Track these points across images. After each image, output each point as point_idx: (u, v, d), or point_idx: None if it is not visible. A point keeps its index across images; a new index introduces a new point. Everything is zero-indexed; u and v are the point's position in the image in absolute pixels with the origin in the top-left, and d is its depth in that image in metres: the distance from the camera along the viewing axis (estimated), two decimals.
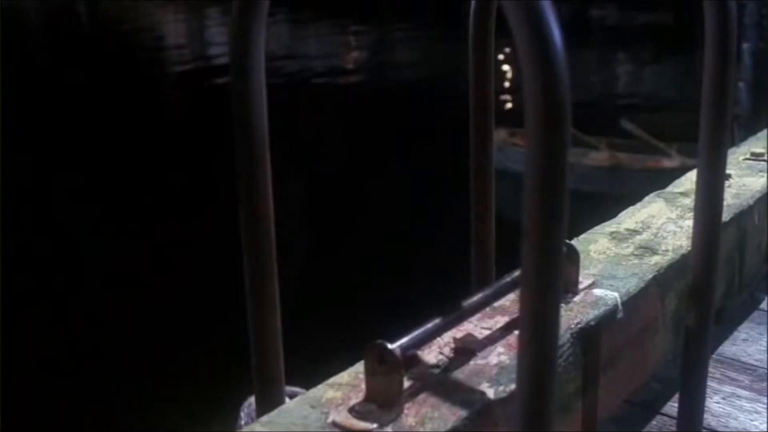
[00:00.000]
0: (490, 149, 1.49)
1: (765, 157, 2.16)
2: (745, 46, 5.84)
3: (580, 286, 1.38)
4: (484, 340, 1.20)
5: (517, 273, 1.28)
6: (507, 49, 11.65)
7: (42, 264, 7.31)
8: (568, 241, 1.48)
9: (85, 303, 6.52)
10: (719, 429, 1.54)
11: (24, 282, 6.85)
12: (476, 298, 1.22)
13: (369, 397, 1.04)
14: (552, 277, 0.83)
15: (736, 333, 1.90)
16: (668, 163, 9.13)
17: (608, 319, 1.33)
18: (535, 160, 0.79)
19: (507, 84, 12.80)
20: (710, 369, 1.52)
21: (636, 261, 1.52)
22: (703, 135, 1.38)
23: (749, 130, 5.91)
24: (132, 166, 9.59)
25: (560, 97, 0.77)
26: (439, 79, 13.16)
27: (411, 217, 7.26)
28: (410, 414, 1.02)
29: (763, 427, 1.54)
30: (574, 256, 1.36)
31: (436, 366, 1.13)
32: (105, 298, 6.49)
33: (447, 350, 1.16)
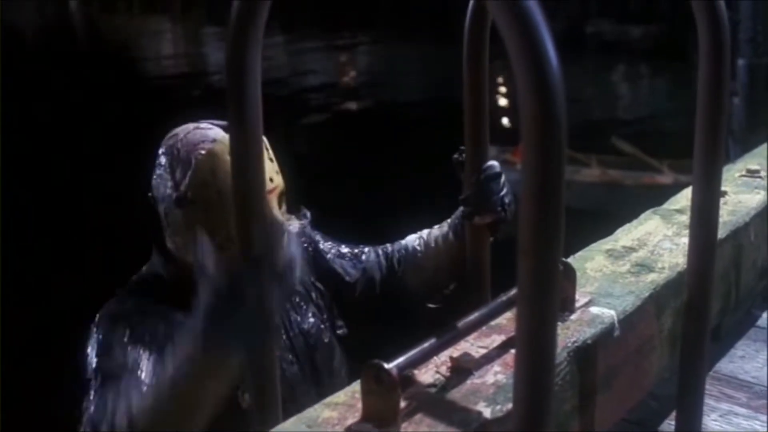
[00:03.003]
0: (485, 159, 1.49)
1: (761, 174, 2.16)
2: (741, 62, 5.87)
3: (577, 304, 1.38)
4: (480, 359, 1.20)
5: (513, 292, 1.28)
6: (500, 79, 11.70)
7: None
8: (564, 259, 1.48)
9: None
10: None
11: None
12: (472, 317, 1.22)
13: (365, 417, 1.04)
14: (549, 296, 0.83)
15: (733, 350, 1.90)
16: (660, 179, 9.15)
17: (605, 338, 1.33)
18: (531, 179, 0.79)
19: (501, 102, 12.83)
20: (707, 386, 1.52)
21: (632, 279, 1.51)
22: (698, 152, 1.38)
23: (745, 145, 5.93)
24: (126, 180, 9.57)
25: (556, 118, 0.77)
26: (434, 98, 13.18)
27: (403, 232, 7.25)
28: None
29: None
30: (570, 274, 1.36)
31: (433, 385, 1.13)
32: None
33: (443, 369, 1.16)
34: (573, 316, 1.35)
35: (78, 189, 9.68)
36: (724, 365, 1.84)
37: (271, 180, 1.51)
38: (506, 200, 1.51)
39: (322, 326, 1.67)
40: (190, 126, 1.55)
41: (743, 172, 2.20)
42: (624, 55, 18.04)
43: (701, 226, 1.42)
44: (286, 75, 16.25)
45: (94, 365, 1.43)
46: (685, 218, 1.77)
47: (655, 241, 1.71)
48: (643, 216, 1.87)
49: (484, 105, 1.41)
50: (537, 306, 0.83)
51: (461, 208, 1.58)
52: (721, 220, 1.52)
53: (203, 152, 1.47)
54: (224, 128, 1.49)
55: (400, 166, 9.58)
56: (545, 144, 0.79)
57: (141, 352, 1.43)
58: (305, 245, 1.73)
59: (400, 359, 1.06)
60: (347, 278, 1.73)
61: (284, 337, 1.62)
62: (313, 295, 1.69)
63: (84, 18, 30.54)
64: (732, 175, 2.18)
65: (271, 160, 1.54)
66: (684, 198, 1.95)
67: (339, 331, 1.72)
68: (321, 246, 1.76)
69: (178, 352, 1.22)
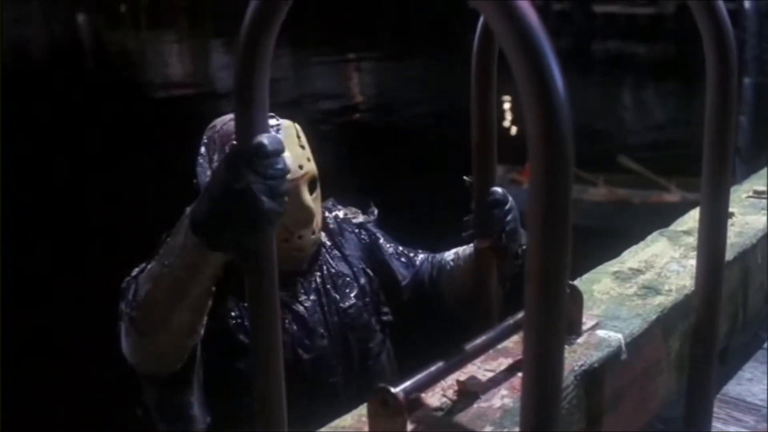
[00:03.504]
0: (492, 182, 1.49)
1: (767, 195, 2.16)
2: (747, 80, 5.87)
3: (584, 327, 1.37)
4: (487, 382, 1.19)
5: (520, 315, 1.27)
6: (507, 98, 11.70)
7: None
8: (571, 281, 1.48)
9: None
10: None
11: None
12: (479, 340, 1.22)
13: None
14: (555, 319, 0.83)
15: (740, 372, 1.89)
16: (668, 197, 9.13)
17: (612, 361, 1.32)
18: (538, 203, 0.79)
19: (509, 120, 12.84)
20: (715, 409, 1.52)
21: (639, 301, 1.51)
22: (705, 174, 1.38)
23: (752, 164, 5.92)
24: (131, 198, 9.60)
25: (563, 142, 0.77)
26: (441, 114, 13.20)
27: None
28: None
29: None
30: (577, 297, 1.36)
31: (440, 409, 1.12)
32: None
33: (450, 393, 1.16)
34: (580, 340, 1.35)
35: (78, 189, 9.71)
36: (732, 388, 1.83)
37: (301, 167, 1.56)
38: (507, 227, 1.50)
39: (364, 308, 1.72)
40: (227, 117, 1.62)
41: (750, 193, 2.20)
42: (630, 72, 18.07)
43: (709, 249, 1.42)
44: (294, 92, 16.30)
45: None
46: (693, 240, 1.76)
47: (662, 263, 1.70)
48: (650, 237, 1.86)
49: (492, 128, 1.41)
50: (544, 329, 0.82)
51: None
52: (728, 242, 1.52)
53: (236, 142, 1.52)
54: None
55: (406, 179, 9.59)
56: (552, 168, 0.78)
57: None
58: (363, 237, 1.81)
59: (407, 383, 1.05)
60: (400, 278, 1.81)
61: (319, 312, 1.66)
62: (362, 279, 1.75)
63: (91, 31, 30.69)
64: (739, 196, 2.17)
65: (302, 147, 1.60)
66: (691, 219, 1.95)
67: (384, 318, 1.77)
68: (381, 242, 1.83)
69: (169, 240, 1.27)
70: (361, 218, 1.84)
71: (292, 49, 20.07)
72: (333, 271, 1.71)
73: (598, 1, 24.60)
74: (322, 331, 1.65)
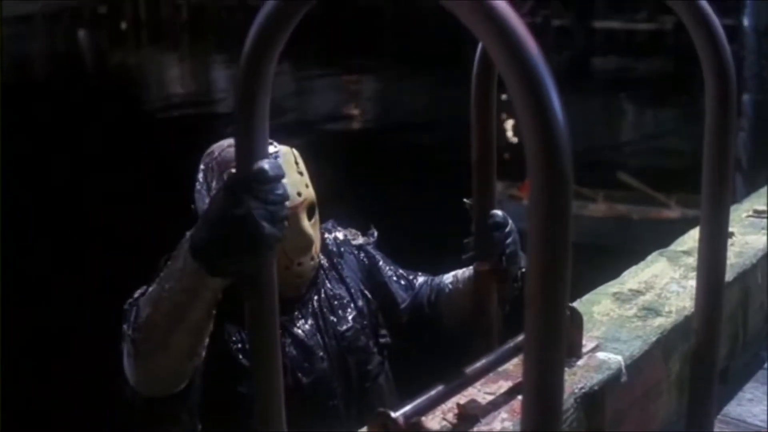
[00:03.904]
0: (491, 205, 1.49)
1: (767, 215, 2.16)
2: (746, 97, 5.89)
3: (584, 350, 1.37)
4: (487, 405, 1.19)
5: (520, 338, 1.27)
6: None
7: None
8: (571, 301, 1.48)
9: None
10: None
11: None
12: (479, 363, 1.22)
13: None
14: (555, 342, 0.83)
15: (741, 393, 1.89)
16: (668, 214, 9.12)
17: (612, 384, 1.32)
18: (538, 227, 0.80)
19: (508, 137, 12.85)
20: (715, 430, 1.51)
21: (639, 323, 1.51)
22: (705, 194, 1.39)
23: (752, 179, 5.94)
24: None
25: (563, 172, 0.77)
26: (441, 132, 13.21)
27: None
28: None
29: None
30: (577, 319, 1.36)
31: None
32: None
33: (450, 416, 1.16)
34: (580, 362, 1.35)
35: (79, 196, 9.70)
36: (732, 408, 1.83)
37: (299, 194, 1.56)
38: (507, 250, 1.50)
39: (361, 331, 1.71)
40: (225, 143, 1.61)
41: (750, 213, 2.20)
42: (630, 88, 18.08)
43: (709, 270, 1.42)
44: (293, 104, 16.32)
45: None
46: (692, 260, 1.77)
47: (662, 283, 1.70)
48: (650, 258, 1.86)
49: (491, 150, 1.42)
50: (544, 352, 0.82)
51: None
52: (728, 262, 1.52)
53: (234, 171, 1.51)
54: None
55: (408, 196, 9.59)
56: (552, 194, 0.79)
57: None
58: (362, 259, 1.81)
59: (407, 407, 1.05)
60: (399, 301, 1.80)
61: (318, 335, 1.66)
62: (359, 301, 1.74)
63: (92, 47, 30.77)
64: (739, 216, 2.18)
65: (300, 173, 1.59)
66: (691, 239, 1.95)
67: (382, 340, 1.76)
68: (380, 264, 1.82)
69: (169, 264, 1.27)
70: (360, 240, 1.83)
71: (291, 63, 20.15)
72: (330, 293, 1.71)
73: (598, 17, 24.66)
74: (321, 354, 1.65)
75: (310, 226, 1.59)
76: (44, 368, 5.87)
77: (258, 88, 0.99)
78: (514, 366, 1.29)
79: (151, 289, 1.33)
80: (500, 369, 1.28)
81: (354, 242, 1.83)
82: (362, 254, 1.82)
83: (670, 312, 1.56)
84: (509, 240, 1.51)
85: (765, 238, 2.00)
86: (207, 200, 1.55)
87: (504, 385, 1.25)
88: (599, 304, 1.60)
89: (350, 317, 1.71)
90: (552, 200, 0.79)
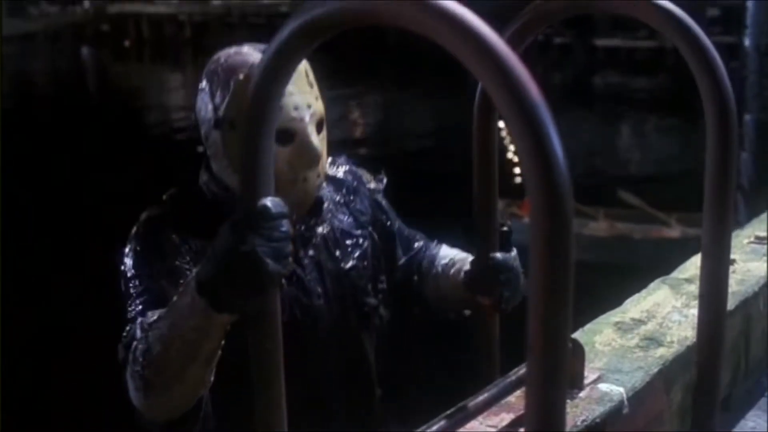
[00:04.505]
0: (494, 230, 1.49)
1: None
2: (747, 117, 5.92)
3: (586, 381, 1.37)
4: None
5: (522, 370, 1.27)
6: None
7: None
8: (574, 328, 1.48)
9: None
10: None
11: None
12: (482, 396, 1.22)
13: None
14: (558, 375, 0.83)
15: (743, 421, 1.88)
16: (669, 232, 9.12)
17: (614, 416, 1.32)
18: (539, 265, 0.80)
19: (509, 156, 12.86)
20: None
21: (641, 353, 1.51)
22: (706, 222, 1.39)
23: (753, 201, 5.94)
24: None
25: (565, 214, 0.78)
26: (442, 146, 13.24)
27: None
28: None
29: None
30: (579, 351, 1.36)
31: None
32: None
33: None
34: (582, 394, 1.35)
35: (79, 192, 9.72)
36: None
37: (309, 106, 1.51)
38: (505, 294, 1.50)
39: (363, 272, 1.66)
40: (231, 50, 1.56)
41: (752, 239, 2.20)
42: (631, 106, 18.14)
43: (710, 299, 1.42)
44: None
45: (134, 272, 1.47)
46: (694, 288, 1.77)
47: (664, 312, 1.70)
48: (651, 285, 1.87)
49: (494, 183, 1.42)
50: (546, 385, 0.82)
51: None
52: (730, 290, 1.52)
53: (242, 77, 1.48)
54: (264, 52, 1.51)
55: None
56: (553, 237, 0.79)
57: (180, 264, 1.46)
58: (374, 202, 1.75)
59: None
60: (398, 257, 1.75)
61: (316, 271, 1.61)
62: (365, 241, 1.69)
63: (95, 65, 30.89)
64: (740, 242, 2.18)
65: (310, 85, 1.54)
66: (693, 266, 1.95)
67: (380, 285, 1.70)
68: (389, 215, 1.77)
69: (176, 300, 1.26)
70: (373, 184, 1.76)
71: None
72: (338, 227, 1.65)
73: (599, 35, 24.75)
74: (318, 290, 1.60)
75: (318, 140, 1.53)
76: (44, 368, 5.87)
77: (262, 127, 0.99)
78: (516, 398, 1.29)
79: (156, 323, 1.32)
80: (503, 401, 1.28)
81: (368, 184, 1.76)
82: (374, 198, 1.76)
83: (671, 342, 1.56)
84: (508, 284, 1.49)
85: (766, 265, 2.00)
86: (210, 107, 1.52)
87: (506, 418, 1.25)
88: (601, 334, 1.60)
89: (355, 255, 1.66)
90: (553, 242, 0.79)
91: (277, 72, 0.96)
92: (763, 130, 6.07)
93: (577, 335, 1.59)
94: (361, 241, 1.68)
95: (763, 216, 2.48)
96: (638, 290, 1.89)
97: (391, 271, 1.74)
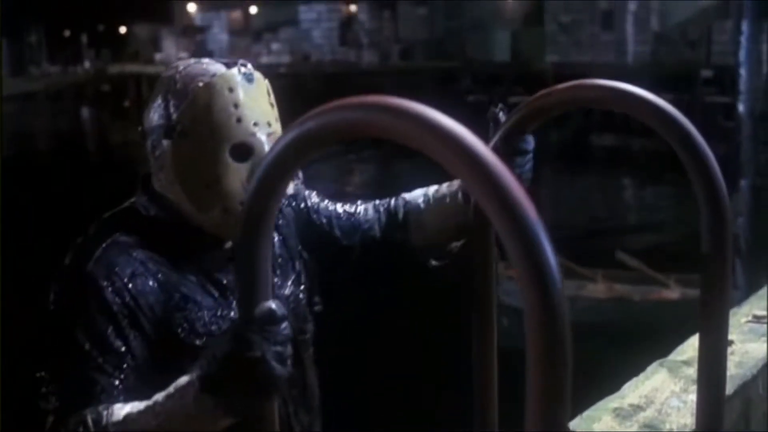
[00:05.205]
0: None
1: (766, 320, 2.16)
2: (743, 182, 5.96)
3: None
4: None
5: None
6: None
7: None
8: (571, 418, 1.47)
9: None
10: None
11: None
12: None
13: None
14: None
15: None
16: (668, 294, 9.09)
17: None
18: (536, 382, 0.80)
19: None
20: None
21: None
22: (702, 305, 1.39)
23: (751, 267, 5.94)
24: None
25: (560, 331, 0.78)
26: None
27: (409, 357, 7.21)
28: None
29: None
30: None
31: None
32: None
33: None
34: None
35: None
36: None
37: (269, 124, 1.47)
38: (524, 177, 1.51)
39: (300, 296, 1.60)
40: (191, 60, 1.50)
41: (749, 318, 2.20)
42: (628, 166, 18.25)
43: (709, 385, 1.41)
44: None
45: (77, 336, 1.34)
46: (693, 371, 1.76)
47: (663, 398, 1.70)
48: (650, 369, 1.86)
49: (491, 307, 1.42)
50: None
51: None
52: (728, 373, 1.52)
53: (201, 85, 1.43)
54: (226, 64, 1.46)
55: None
56: (549, 352, 0.80)
57: (127, 322, 1.36)
58: (296, 207, 1.66)
59: None
60: (344, 242, 1.67)
61: None
62: (297, 263, 1.62)
63: (95, 124, 31.13)
64: (738, 320, 2.18)
65: (271, 105, 1.50)
66: (691, 347, 1.95)
67: (315, 307, 1.65)
68: (317, 207, 1.69)
69: (169, 404, 1.22)
70: (291, 188, 1.60)
71: None
72: (275, 251, 1.57)
73: None
74: None
75: None
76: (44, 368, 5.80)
77: (261, 231, 1.00)
78: None
79: (122, 423, 1.28)
80: None
81: (287, 192, 1.67)
82: (294, 202, 1.68)
83: (671, 430, 1.56)
84: (527, 167, 1.53)
85: (765, 345, 2.00)
86: (162, 114, 1.44)
87: None
88: (600, 422, 1.59)
89: (290, 281, 1.60)
90: (550, 357, 0.79)
91: (272, 184, 0.97)
92: (758, 195, 6.11)
93: (575, 423, 1.58)
94: (293, 263, 1.62)
95: (761, 292, 2.48)
96: (636, 367, 1.89)
97: (344, 257, 1.68)
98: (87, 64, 43.97)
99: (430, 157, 0.86)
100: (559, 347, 0.77)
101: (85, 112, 33.26)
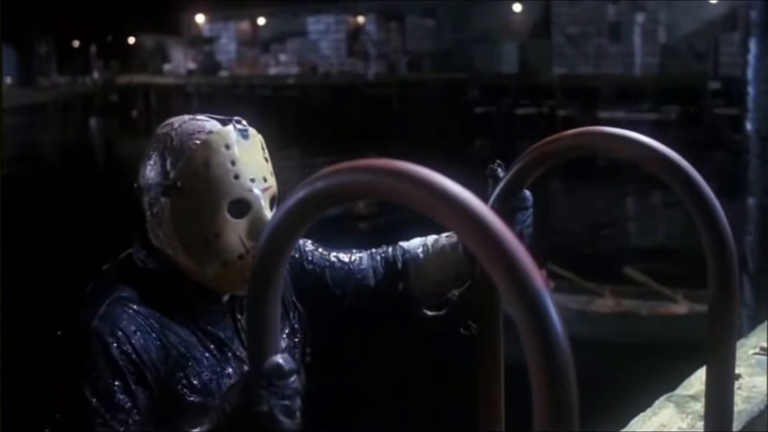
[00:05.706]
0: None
1: None
2: (750, 201, 5.95)
3: None
4: None
5: None
6: None
7: None
8: None
9: None
10: None
11: None
12: None
13: None
14: None
15: None
16: (675, 309, 9.08)
17: None
18: (542, 420, 0.81)
19: None
20: None
21: None
22: (710, 339, 1.39)
23: (758, 284, 5.93)
24: None
25: (568, 398, 0.79)
26: None
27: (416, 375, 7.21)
28: None
29: None
30: None
31: None
32: None
33: None
34: None
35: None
36: None
37: (265, 179, 1.47)
38: (525, 233, 1.51)
39: (294, 349, 1.60)
40: (186, 117, 1.51)
41: (757, 349, 2.20)
42: (635, 180, 18.24)
43: (717, 421, 1.42)
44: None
45: (83, 392, 1.35)
46: (700, 406, 1.76)
47: None
48: (657, 404, 1.86)
49: (498, 356, 1.43)
50: None
51: None
52: (735, 408, 1.52)
53: (198, 142, 1.44)
54: (221, 121, 1.48)
55: None
56: (557, 413, 0.80)
57: (133, 378, 1.37)
58: (295, 256, 1.66)
59: None
60: (337, 291, 1.67)
61: None
62: (291, 314, 1.62)
63: (102, 135, 31.25)
64: (745, 353, 2.17)
65: (266, 159, 1.51)
66: (698, 381, 1.94)
67: (307, 358, 1.65)
68: (312, 255, 1.68)
69: None
70: None
71: (299, 151, 20.39)
72: None
73: (603, 107, 25.02)
74: None
75: (270, 215, 1.45)
76: (45, 368, 5.82)
77: (270, 287, 1.01)
78: None
79: None
80: None
81: None
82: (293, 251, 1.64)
83: None
84: (528, 222, 1.52)
85: None
86: (159, 172, 1.45)
87: None
88: None
89: (284, 334, 1.60)
90: (556, 418, 0.80)
91: (282, 240, 0.98)
92: (765, 214, 6.10)
93: None
94: (288, 316, 1.61)
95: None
96: (642, 402, 1.89)
97: (337, 306, 1.68)
98: (96, 75, 44.16)
99: (436, 222, 0.87)
100: (567, 411, 0.78)
101: (93, 123, 33.38)
